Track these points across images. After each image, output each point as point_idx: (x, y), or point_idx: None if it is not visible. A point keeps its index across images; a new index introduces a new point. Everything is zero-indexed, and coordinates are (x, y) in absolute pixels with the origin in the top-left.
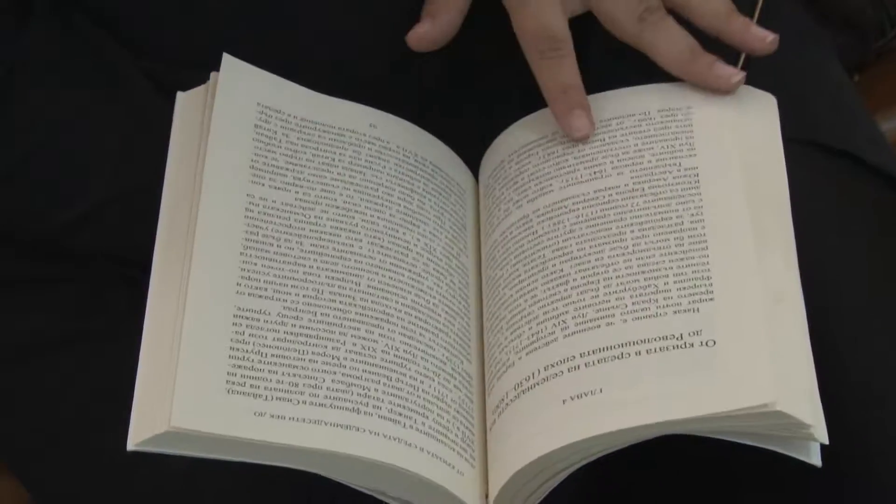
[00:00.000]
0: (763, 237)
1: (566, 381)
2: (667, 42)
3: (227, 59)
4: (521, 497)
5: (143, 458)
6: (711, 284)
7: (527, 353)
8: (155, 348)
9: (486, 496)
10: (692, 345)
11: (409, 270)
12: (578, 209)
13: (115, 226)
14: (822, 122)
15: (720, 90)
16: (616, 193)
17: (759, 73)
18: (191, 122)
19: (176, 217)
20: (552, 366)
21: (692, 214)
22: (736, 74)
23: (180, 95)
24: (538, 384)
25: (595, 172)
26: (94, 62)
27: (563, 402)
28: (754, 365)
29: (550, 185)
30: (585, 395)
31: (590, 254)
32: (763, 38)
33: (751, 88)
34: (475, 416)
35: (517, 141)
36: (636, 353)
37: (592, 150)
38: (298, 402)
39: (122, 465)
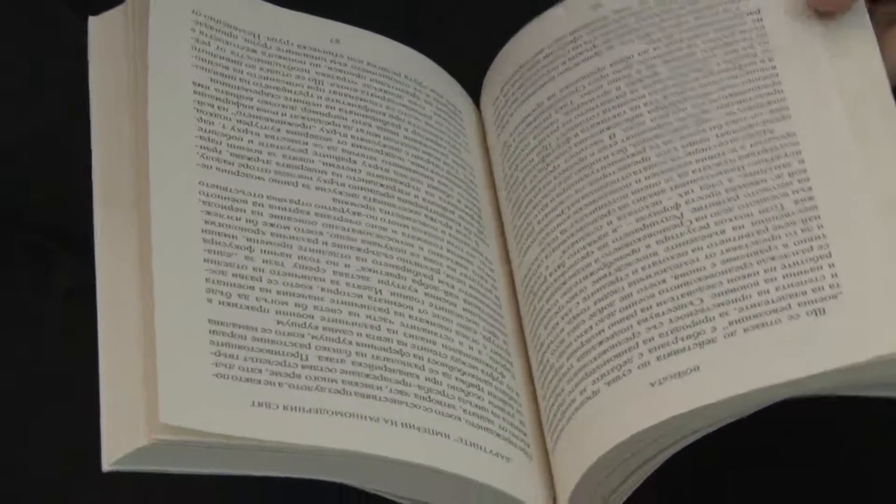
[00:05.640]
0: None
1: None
2: None
3: None
4: (611, 485)
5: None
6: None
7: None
8: (116, 340)
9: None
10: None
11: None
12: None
13: (15, 179)
14: None
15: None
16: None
17: None
18: (111, 51)
19: (113, 169)
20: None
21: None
22: None
23: (93, 21)
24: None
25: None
26: None
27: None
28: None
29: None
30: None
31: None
32: None
33: None
34: (523, 400)
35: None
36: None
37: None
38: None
39: None
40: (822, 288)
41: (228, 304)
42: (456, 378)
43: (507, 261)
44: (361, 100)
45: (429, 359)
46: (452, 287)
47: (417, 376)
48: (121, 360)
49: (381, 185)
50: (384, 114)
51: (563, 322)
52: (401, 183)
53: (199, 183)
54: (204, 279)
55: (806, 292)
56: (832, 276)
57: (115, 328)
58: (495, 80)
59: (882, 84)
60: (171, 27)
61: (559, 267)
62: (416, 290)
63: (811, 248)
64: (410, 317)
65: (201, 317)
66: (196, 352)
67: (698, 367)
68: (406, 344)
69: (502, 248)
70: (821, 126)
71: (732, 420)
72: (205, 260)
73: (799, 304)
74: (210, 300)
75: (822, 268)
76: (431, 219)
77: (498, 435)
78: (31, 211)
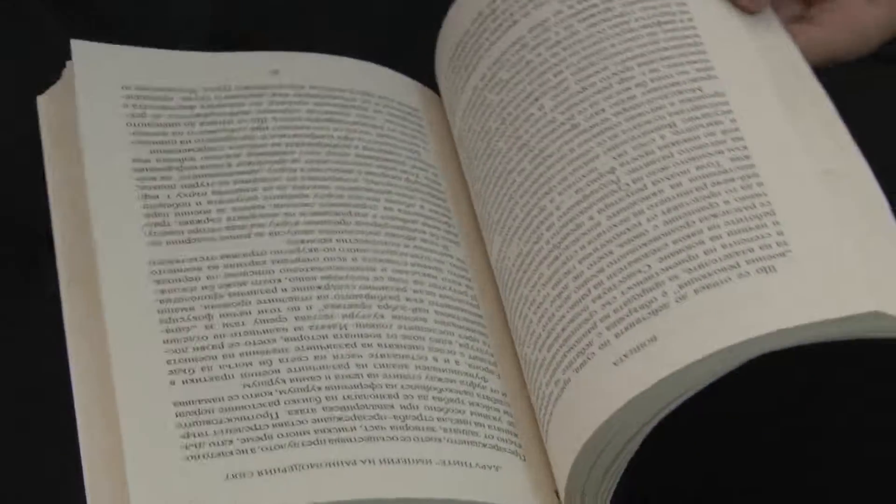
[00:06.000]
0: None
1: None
2: None
3: (78, 46)
4: (597, 476)
5: None
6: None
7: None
8: (91, 438)
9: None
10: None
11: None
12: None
13: (13, 180)
14: None
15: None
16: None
17: None
18: (60, 126)
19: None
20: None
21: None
22: None
23: (41, 100)
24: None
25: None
26: None
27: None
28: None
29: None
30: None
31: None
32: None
33: None
34: (511, 399)
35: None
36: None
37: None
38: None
39: None
40: (770, 245)
41: (192, 380)
42: (433, 398)
43: (487, 255)
44: (306, 128)
45: (402, 385)
46: (421, 301)
47: (392, 406)
48: (98, 457)
49: (336, 214)
50: (332, 136)
51: (530, 313)
52: (356, 206)
53: (150, 262)
54: (165, 361)
55: (753, 249)
56: (778, 233)
57: (89, 425)
58: (440, 70)
59: (803, 69)
60: (102, 111)
61: (518, 256)
62: (382, 317)
63: (753, 204)
64: (379, 345)
65: (166, 402)
66: (165, 441)
67: (655, 338)
68: (377, 375)
69: (481, 242)
70: (750, 91)
71: (704, 385)
72: (164, 341)
73: (747, 262)
74: (173, 382)
75: (766, 225)
76: (392, 235)
77: (484, 445)
78: (26, 213)
